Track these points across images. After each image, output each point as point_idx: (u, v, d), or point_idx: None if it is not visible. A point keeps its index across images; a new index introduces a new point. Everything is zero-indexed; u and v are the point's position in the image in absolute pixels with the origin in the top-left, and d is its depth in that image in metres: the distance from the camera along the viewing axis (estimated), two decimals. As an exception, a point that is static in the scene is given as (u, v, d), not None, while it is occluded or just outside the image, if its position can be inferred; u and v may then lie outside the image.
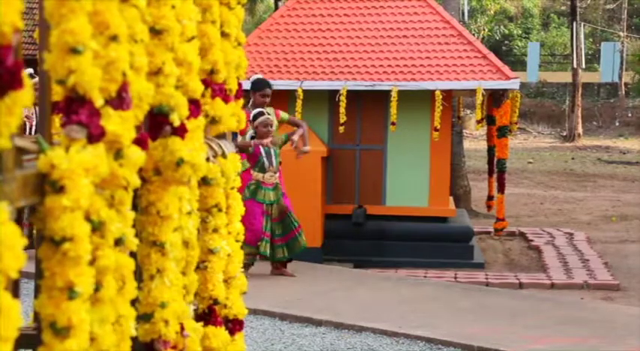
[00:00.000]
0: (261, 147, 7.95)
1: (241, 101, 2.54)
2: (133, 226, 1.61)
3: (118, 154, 1.49)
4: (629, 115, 33.19)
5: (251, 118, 7.92)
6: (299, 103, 9.15)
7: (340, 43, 9.85)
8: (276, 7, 25.28)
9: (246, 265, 7.84)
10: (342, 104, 9.17)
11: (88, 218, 1.40)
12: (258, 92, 8.41)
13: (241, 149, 7.75)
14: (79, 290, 1.33)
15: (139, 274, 1.85)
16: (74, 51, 1.36)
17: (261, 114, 8.04)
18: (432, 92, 9.18)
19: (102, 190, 1.45)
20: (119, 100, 1.49)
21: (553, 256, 9.69)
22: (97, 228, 1.43)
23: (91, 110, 1.39)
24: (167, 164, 1.75)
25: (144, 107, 1.59)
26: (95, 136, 1.41)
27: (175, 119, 1.78)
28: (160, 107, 1.76)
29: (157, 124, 1.77)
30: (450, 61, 9.52)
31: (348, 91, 9.22)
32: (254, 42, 10.01)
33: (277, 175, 8.05)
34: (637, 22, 40.01)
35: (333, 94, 9.33)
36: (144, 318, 1.79)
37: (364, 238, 9.23)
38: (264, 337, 6.36)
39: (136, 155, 1.52)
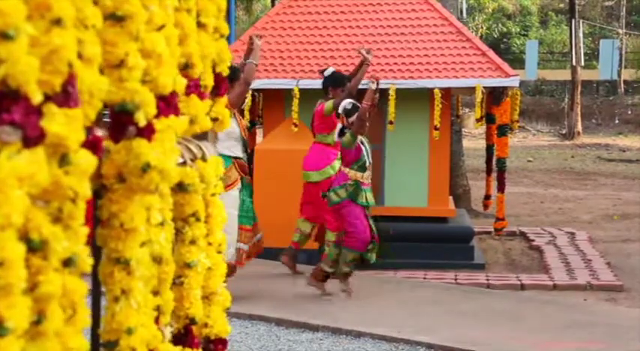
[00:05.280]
0: (362, 144, 7.16)
1: (225, 98, 2.34)
2: (93, 242, 1.40)
3: (62, 159, 1.27)
4: (629, 112, 33.07)
5: (341, 109, 7.22)
6: (295, 102, 8.97)
7: (337, 41, 9.68)
8: (273, 7, 25.10)
9: (347, 275, 7.14)
10: (339, 103, 8.99)
11: (25, 237, 1.20)
12: (339, 88, 7.92)
13: (360, 123, 7.05)
14: (9, 326, 1.12)
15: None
16: (4, 36, 1.13)
17: (356, 107, 7.20)
18: (430, 91, 9.00)
19: (44, 203, 1.25)
20: (64, 96, 1.27)
21: (555, 256, 9.53)
22: (38, 248, 1.22)
23: (27, 108, 1.18)
24: (131, 170, 1.53)
25: (96, 104, 1.37)
26: (32, 138, 1.19)
27: (141, 118, 1.57)
28: (123, 105, 1.54)
29: (119, 124, 1.55)
30: (448, 59, 9.34)
31: (345, 90, 9.03)
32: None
33: (371, 174, 7.30)
34: (636, 20, 39.87)
35: (330, 93, 9.14)
36: (108, 346, 1.56)
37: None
38: (260, 344, 6.18)
39: (86, 161, 1.30)
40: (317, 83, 9.18)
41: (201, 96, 2.06)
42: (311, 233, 8.15)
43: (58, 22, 1.25)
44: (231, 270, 6.95)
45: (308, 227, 8.11)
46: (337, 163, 7.90)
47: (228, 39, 9.96)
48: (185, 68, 1.97)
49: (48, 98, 1.26)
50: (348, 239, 7.14)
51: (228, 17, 12.01)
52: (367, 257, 7.13)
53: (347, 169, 7.20)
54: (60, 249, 1.25)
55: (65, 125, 1.25)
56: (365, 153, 7.17)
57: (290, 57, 9.54)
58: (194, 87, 2.00)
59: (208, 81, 2.14)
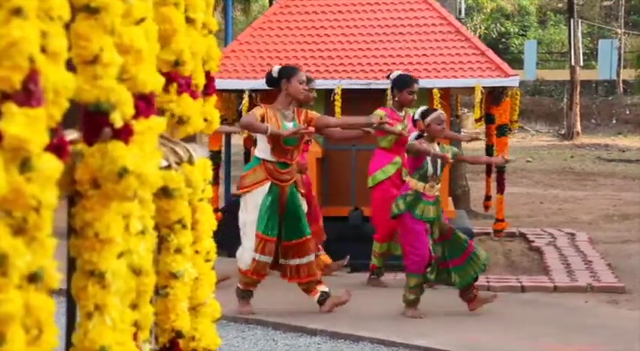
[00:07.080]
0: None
1: (214, 98, 2.23)
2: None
3: (24, 165, 1.14)
4: (628, 112, 33.02)
5: (418, 115, 6.72)
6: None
7: (335, 41, 9.59)
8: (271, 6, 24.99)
9: (413, 302, 6.74)
10: (338, 104, 8.91)
11: (-20, 252, 1.09)
12: (405, 89, 7.69)
13: (416, 153, 6.61)
14: (-40, 352, 1.03)
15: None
16: (-46, 27, 1.05)
17: (432, 110, 6.78)
18: (429, 91, 8.91)
19: (4, 213, 1.14)
20: (25, 95, 1.15)
21: (555, 257, 9.43)
22: (-4, 263, 1.12)
23: (-19, 107, 1.08)
24: (107, 175, 1.41)
25: (62, 104, 1.26)
26: (-14, 141, 1.10)
27: (117, 119, 1.46)
28: (98, 104, 1.43)
29: (94, 125, 1.45)
30: (447, 59, 9.26)
31: (344, 90, 8.95)
32: (246, 40, 9.76)
33: (439, 186, 6.76)
34: (634, 19, 39.82)
35: (328, 93, 9.05)
36: (80, 365, 1.47)
37: (361, 240, 8.93)
38: (257, 348, 6.08)
39: (50, 166, 1.19)
40: (315, 84, 9.09)
41: (193, 95, 1.95)
42: (385, 252, 8.04)
43: (17, 12, 1.13)
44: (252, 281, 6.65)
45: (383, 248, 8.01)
46: (392, 168, 7.77)
47: (225, 40, 9.75)
48: (175, 66, 1.86)
49: (6, 97, 1.15)
50: (408, 262, 6.77)
51: (225, 18, 11.90)
52: (428, 277, 6.75)
53: (409, 178, 6.78)
54: (21, 264, 1.13)
55: (26, 126, 1.13)
56: (428, 161, 6.62)
57: (287, 57, 9.45)
58: (186, 85, 1.90)
59: (200, 79, 2.02)
